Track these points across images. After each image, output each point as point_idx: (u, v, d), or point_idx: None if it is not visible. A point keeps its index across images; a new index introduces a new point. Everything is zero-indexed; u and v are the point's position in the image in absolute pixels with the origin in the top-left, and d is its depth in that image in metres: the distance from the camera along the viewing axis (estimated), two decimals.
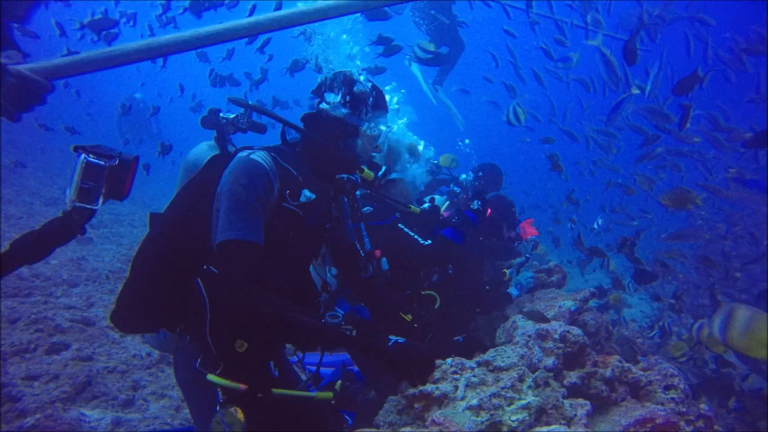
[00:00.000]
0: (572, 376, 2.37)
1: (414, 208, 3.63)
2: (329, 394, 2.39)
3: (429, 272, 3.87)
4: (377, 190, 3.44)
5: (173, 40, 1.79)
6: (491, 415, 1.85)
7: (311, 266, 2.78)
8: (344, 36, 2.53)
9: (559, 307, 3.39)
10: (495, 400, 1.92)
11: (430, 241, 3.47)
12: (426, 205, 3.80)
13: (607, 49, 6.20)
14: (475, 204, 3.65)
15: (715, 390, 4.45)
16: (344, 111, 2.48)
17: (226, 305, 2.12)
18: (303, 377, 2.67)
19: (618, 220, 9.74)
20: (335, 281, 3.23)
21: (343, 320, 2.21)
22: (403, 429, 2.01)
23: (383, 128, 2.68)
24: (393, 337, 2.25)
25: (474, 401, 1.90)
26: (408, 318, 2.87)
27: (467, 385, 2.02)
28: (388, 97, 2.76)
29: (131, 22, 9.46)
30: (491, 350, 2.37)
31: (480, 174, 5.03)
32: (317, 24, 2.39)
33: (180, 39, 1.80)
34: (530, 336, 2.55)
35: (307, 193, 2.33)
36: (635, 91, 5.51)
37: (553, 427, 1.90)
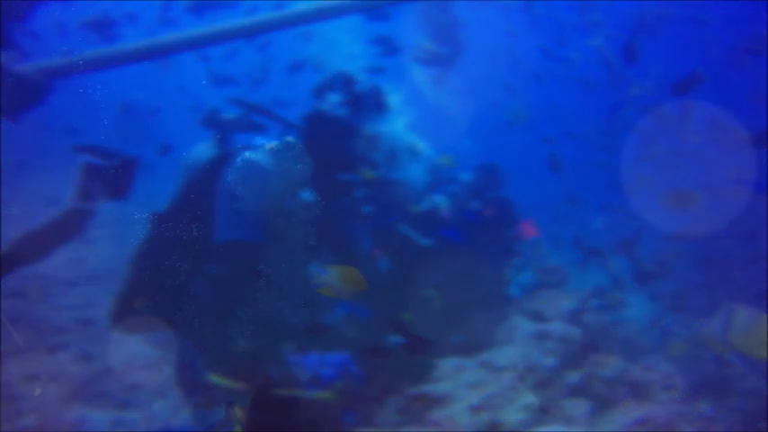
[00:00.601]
0: (572, 376, 2.37)
1: (414, 208, 3.63)
2: (329, 394, 2.39)
3: (429, 272, 3.87)
4: (377, 190, 3.43)
5: (173, 40, 1.79)
6: (491, 415, 1.85)
7: (311, 266, 2.78)
8: (344, 36, 2.54)
9: (559, 307, 3.39)
10: (495, 400, 1.92)
11: (430, 241, 3.47)
12: (426, 205, 3.80)
13: (607, 49, 6.20)
14: (475, 204, 3.66)
15: (715, 390, 4.44)
16: (345, 110, 2.48)
17: (225, 305, 2.12)
18: (303, 377, 2.68)
19: (618, 220, 9.71)
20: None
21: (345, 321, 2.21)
22: (403, 429, 2.02)
23: (383, 128, 2.69)
24: (393, 337, 2.26)
25: (474, 401, 1.90)
26: (409, 317, 2.87)
27: (467, 385, 2.03)
28: (388, 97, 2.76)
29: (131, 23, 9.45)
30: (491, 350, 2.37)
31: (480, 174, 5.03)
32: (316, 24, 2.39)
33: (180, 39, 1.80)
34: (530, 336, 2.55)
35: (307, 192, 2.33)
36: (635, 91, 5.51)
37: (553, 426, 1.90)
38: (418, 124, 3.91)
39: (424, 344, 2.17)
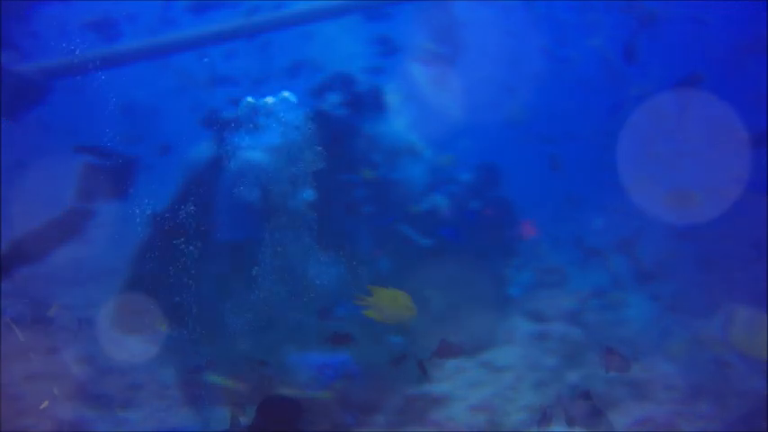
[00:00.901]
0: (572, 376, 2.37)
1: (414, 208, 3.63)
2: (329, 394, 2.39)
3: (429, 272, 3.87)
4: (377, 189, 3.44)
5: (173, 40, 1.79)
6: (491, 415, 1.85)
7: (311, 265, 2.79)
8: (344, 36, 2.54)
9: (559, 307, 3.39)
10: (495, 400, 1.92)
11: (430, 241, 3.47)
12: (426, 205, 3.80)
13: (607, 49, 6.20)
14: (475, 204, 3.66)
15: (715, 390, 4.43)
16: (345, 111, 2.48)
17: (225, 304, 2.13)
18: (303, 377, 2.67)
19: (618, 220, 9.69)
20: (336, 280, 3.23)
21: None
22: (403, 429, 2.01)
23: (383, 128, 2.69)
24: (393, 337, 2.26)
25: (474, 401, 1.90)
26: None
27: (467, 385, 2.03)
28: (388, 97, 2.76)
29: (131, 23, 9.44)
30: (491, 350, 2.37)
31: (480, 173, 5.02)
32: (316, 24, 2.39)
33: (180, 39, 1.80)
34: (530, 336, 2.55)
35: (307, 192, 2.33)
36: (635, 91, 5.51)
37: (553, 427, 1.90)
38: (418, 124, 3.91)
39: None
